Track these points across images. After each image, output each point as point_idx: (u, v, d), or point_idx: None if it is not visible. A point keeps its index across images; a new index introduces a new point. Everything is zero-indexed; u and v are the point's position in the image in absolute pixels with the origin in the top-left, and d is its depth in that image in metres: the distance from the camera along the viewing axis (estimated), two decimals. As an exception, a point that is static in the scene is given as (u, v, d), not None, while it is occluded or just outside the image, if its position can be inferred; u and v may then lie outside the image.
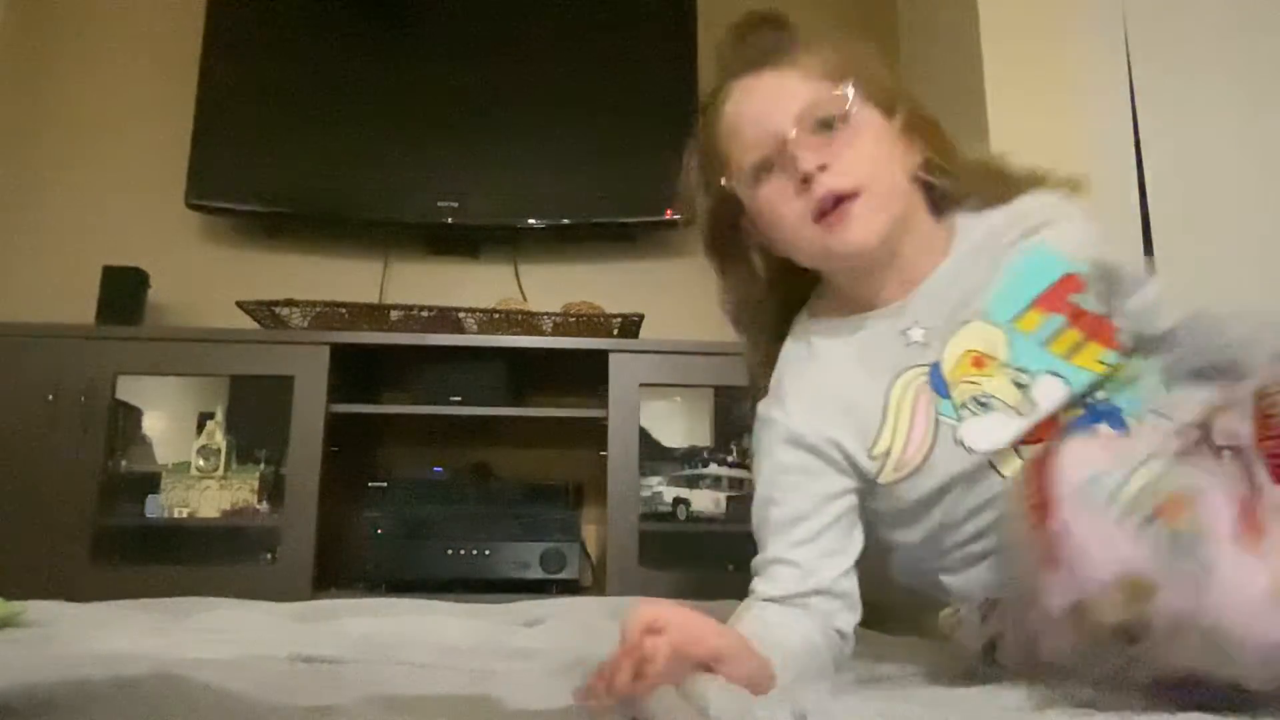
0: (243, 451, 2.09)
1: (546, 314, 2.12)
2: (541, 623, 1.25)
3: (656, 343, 2.14)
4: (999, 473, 0.84)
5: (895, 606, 1.15)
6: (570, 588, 1.98)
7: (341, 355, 2.01)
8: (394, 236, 2.43)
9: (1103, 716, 0.58)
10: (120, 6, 2.53)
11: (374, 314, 2.10)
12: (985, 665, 0.83)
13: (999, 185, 0.96)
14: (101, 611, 1.19)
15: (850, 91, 0.86)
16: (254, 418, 2.12)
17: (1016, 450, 0.84)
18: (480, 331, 2.11)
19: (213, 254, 2.41)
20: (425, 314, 2.09)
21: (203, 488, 2.02)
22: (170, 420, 2.21)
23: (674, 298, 2.43)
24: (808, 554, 0.87)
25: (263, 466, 2.07)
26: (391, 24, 2.43)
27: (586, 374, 2.10)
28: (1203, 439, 0.62)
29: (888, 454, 0.88)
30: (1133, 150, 1.76)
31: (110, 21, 2.52)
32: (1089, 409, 0.85)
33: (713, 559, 1.96)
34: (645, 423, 2.05)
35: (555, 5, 2.47)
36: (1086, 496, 0.59)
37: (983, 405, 0.85)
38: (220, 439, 2.06)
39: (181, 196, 2.26)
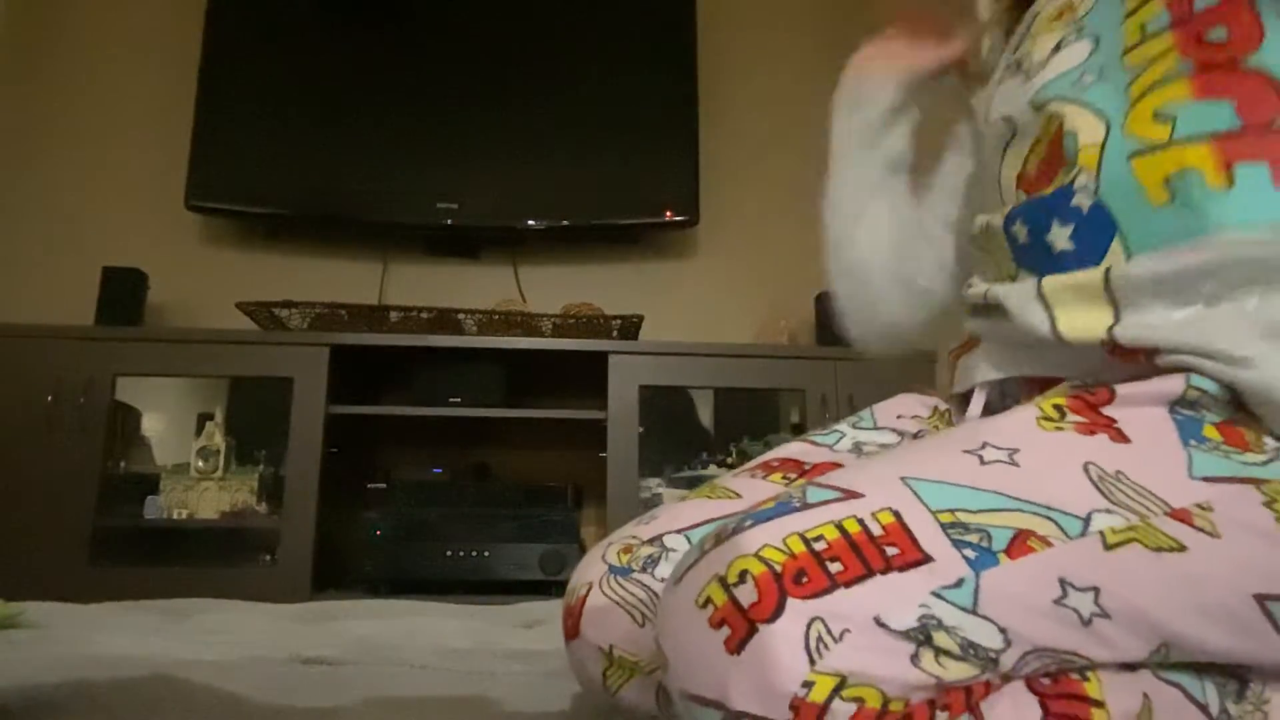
0: (242, 453, 2.09)
1: (546, 315, 2.12)
2: (540, 624, 1.25)
3: (656, 344, 2.14)
4: None
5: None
6: (569, 589, 1.97)
7: (341, 356, 2.02)
8: (393, 238, 2.43)
9: None
10: (120, 8, 2.53)
11: (373, 315, 2.10)
12: None
13: None
14: (100, 613, 1.19)
15: None
16: (253, 419, 2.13)
17: None
18: (480, 333, 2.11)
19: (212, 255, 2.41)
20: (425, 315, 2.09)
21: (202, 489, 2.02)
22: (169, 421, 2.21)
23: (673, 299, 2.44)
24: None
25: (262, 468, 2.07)
26: (391, 25, 2.43)
27: (586, 375, 2.10)
28: None
29: None
30: None
31: (110, 23, 2.52)
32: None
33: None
34: (644, 424, 2.05)
35: (555, 6, 2.47)
36: None
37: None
38: (219, 440, 2.06)
39: (181, 197, 2.26)
